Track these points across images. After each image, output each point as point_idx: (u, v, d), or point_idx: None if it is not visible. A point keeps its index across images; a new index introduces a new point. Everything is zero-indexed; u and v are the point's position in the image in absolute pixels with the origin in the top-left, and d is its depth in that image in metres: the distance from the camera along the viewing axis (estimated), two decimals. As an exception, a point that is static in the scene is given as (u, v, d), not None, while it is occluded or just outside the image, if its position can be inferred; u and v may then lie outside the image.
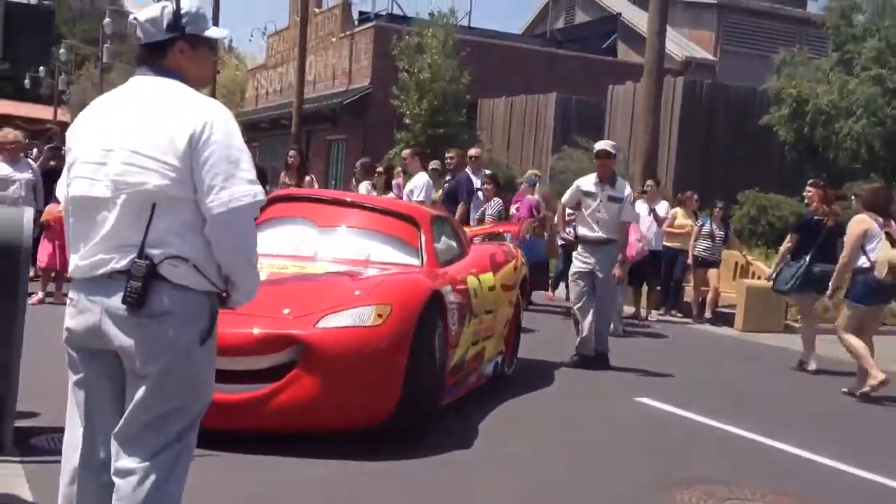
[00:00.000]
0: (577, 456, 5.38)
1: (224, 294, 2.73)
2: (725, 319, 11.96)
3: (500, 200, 11.14)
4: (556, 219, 9.16)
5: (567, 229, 8.60)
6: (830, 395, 7.90)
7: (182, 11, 2.74)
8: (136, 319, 2.59)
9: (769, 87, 16.32)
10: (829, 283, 8.04)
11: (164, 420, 2.65)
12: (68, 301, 2.77)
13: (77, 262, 2.70)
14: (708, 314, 11.99)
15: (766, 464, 5.50)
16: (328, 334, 4.90)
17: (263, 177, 11.94)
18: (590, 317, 7.99)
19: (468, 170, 11.58)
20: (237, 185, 2.60)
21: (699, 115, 18.85)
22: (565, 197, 8.49)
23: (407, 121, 21.29)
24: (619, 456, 5.43)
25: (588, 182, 8.14)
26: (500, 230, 9.83)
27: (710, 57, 27.20)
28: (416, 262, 6.08)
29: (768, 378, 8.66)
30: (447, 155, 12.09)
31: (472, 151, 12.86)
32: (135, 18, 2.78)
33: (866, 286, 7.63)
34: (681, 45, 26.76)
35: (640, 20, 26.13)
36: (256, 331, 4.84)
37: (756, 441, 5.96)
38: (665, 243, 12.19)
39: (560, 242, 10.52)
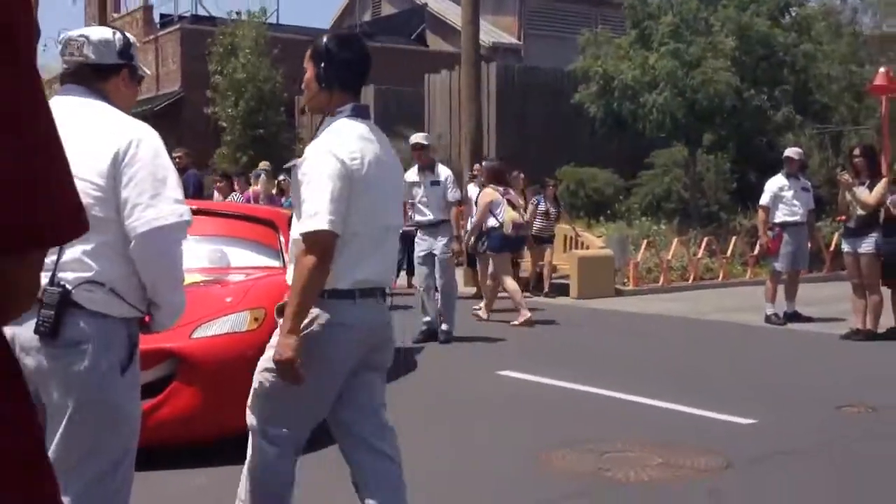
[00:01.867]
0: (449, 434, 5.60)
1: (146, 318, 2.63)
2: (561, 290, 12.58)
3: None
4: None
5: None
6: (672, 348, 8.53)
7: (130, 41, 2.75)
8: (50, 350, 2.46)
9: (576, 67, 17.16)
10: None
11: (84, 460, 2.50)
12: None
13: None
14: (546, 288, 12.54)
15: (629, 417, 5.94)
16: (204, 344, 4.91)
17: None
18: (434, 296, 8.57)
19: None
20: (163, 204, 2.53)
21: (514, 98, 19.60)
22: (403, 193, 8.97)
23: (223, 124, 20.91)
24: (490, 428, 5.70)
25: (412, 174, 8.77)
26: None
27: (515, 41, 28.15)
28: (278, 263, 6.12)
29: (611, 338, 9.23)
30: (174, 154, 12.42)
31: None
32: (84, 37, 2.69)
33: (500, 240, 9.63)
34: (486, 31, 27.53)
35: (446, 9, 26.76)
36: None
37: (616, 398, 6.41)
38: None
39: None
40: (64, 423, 2.48)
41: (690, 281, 13.08)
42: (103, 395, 2.51)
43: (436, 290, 8.69)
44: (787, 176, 9.78)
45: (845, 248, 8.79)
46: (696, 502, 4.35)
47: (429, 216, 8.68)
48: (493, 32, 27.94)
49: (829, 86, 17.05)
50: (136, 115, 2.73)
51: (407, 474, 4.77)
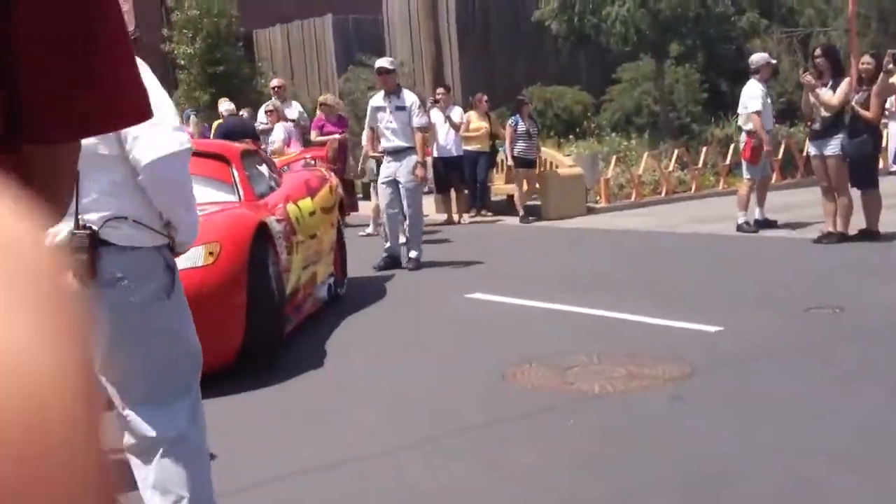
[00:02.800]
0: (421, 356, 5.59)
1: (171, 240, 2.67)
2: (532, 211, 12.50)
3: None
4: (364, 141, 9.58)
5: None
6: (641, 262, 8.50)
7: None
8: (94, 291, 2.47)
9: (537, -18, 16.85)
10: None
11: (155, 387, 2.57)
12: None
13: None
14: (520, 211, 12.16)
15: (595, 331, 5.92)
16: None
17: None
18: (397, 221, 8.60)
19: (274, 99, 11.85)
20: (163, 133, 2.53)
21: (474, 19, 19.23)
22: (367, 118, 8.99)
23: (182, 61, 20.46)
24: (461, 348, 5.70)
25: (377, 98, 8.71)
26: (308, 156, 9.83)
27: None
28: (233, 198, 5.99)
29: (580, 256, 9.19)
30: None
31: (275, 82, 12.78)
32: None
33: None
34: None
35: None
36: (81, 292, 4.69)
37: (583, 313, 6.39)
38: (465, 147, 12.49)
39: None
40: (122, 358, 2.50)
41: (663, 195, 13.02)
42: (154, 324, 2.56)
43: (403, 217, 8.60)
44: (764, 82, 9.68)
45: (812, 151, 8.73)
46: (658, 409, 4.34)
47: (394, 142, 8.53)
48: (453, -47, 27.32)
49: (794, -13, 16.83)
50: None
51: (375, 396, 4.78)
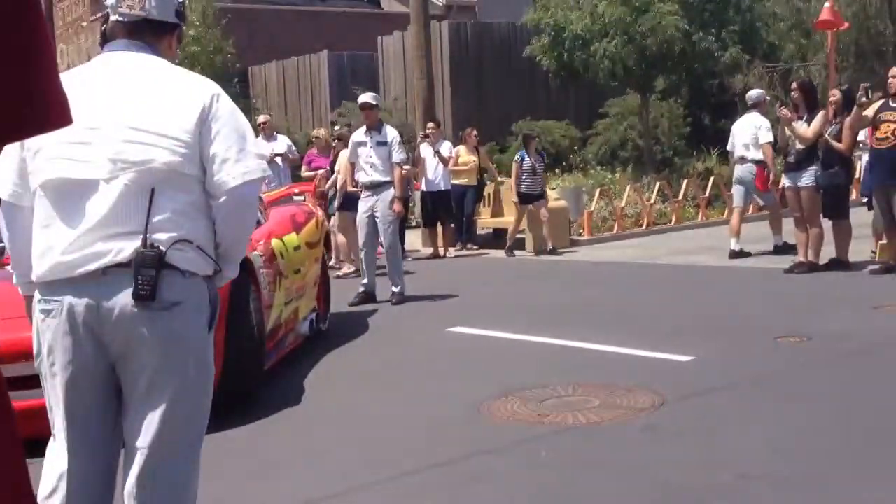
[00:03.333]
0: (400, 390, 5.69)
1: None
2: (518, 244, 12.64)
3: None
4: (342, 175, 9.79)
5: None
6: (619, 294, 8.65)
7: (186, 2, 2.73)
8: (148, 314, 2.37)
9: (527, 19, 17.11)
10: None
11: (187, 422, 2.50)
12: (43, 314, 2.44)
13: (57, 258, 2.39)
14: (550, 245, 11.75)
15: (572, 363, 6.04)
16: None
17: None
18: (373, 258, 8.76)
19: (261, 136, 11.81)
20: (249, 159, 2.50)
21: (467, 55, 19.53)
22: (348, 153, 9.18)
23: (178, 98, 20.71)
24: (439, 382, 5.80)
25: (359, 133, 8.88)
26: (296, 191, 9.99)
27: (468, -1, 27.96)
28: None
29: (561, 288, 9.32)
30: None
31: (261, 118, 12.92)
32: None
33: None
34: (439, -11, 27.33)
35: (395, -31, 26.43)
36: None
37: (560, 345, 6.51)
38: (452, 181, 12.66)
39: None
40: (166, 387, 2.43)
41: (644, 227, 13.20)
42: (202, 355, 2.51)
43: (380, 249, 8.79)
44: (764, 115, 9.96)
45: (786, 182, 8.92)
46: (631, 439, 4.46)
47: (373, 176, 8.64)
48: (445, -9, 27.72)
49: (775, 24, 17.11)
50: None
51: (353, 431, 4.88)
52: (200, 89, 2.52)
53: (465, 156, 12.94)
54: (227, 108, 2.52)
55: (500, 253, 12.28)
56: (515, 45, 19.24)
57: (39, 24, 0.99)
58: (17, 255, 2.58)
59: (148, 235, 2.36)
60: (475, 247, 12.98)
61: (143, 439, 2.45)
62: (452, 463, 4.30)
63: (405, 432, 4.82)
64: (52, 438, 2.55)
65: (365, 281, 8.78)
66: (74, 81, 2.47)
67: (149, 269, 2.34)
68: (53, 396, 2.50)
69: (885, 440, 4.17)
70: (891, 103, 8.28)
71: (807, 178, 8.59)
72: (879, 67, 12.96)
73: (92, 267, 2.36)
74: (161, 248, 2.36)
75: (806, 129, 8.60)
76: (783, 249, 9.93)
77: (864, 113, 8.45)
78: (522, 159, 11.89)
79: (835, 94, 8.91)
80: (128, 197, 2.38)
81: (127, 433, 2.50)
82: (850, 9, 15.32)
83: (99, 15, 24.97)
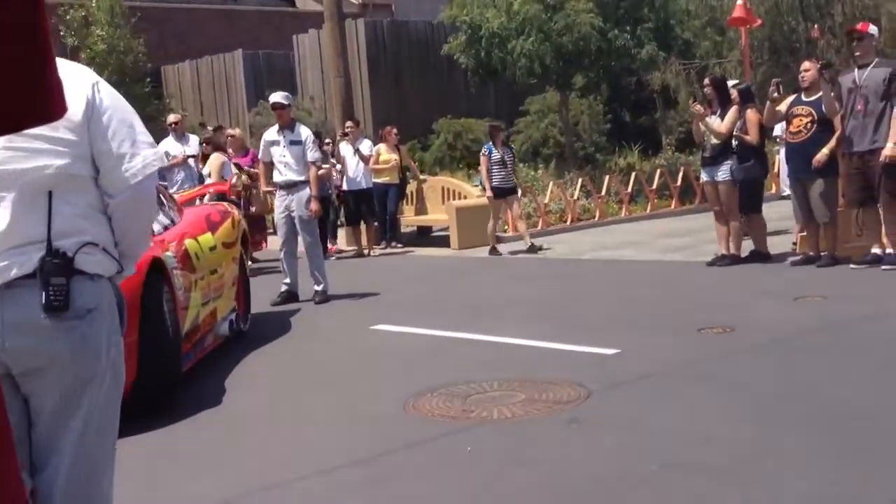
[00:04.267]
0: (323, 389, 5.58)
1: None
2: (441, 241, 12.59)
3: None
4: (260, 175, 9.55)
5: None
6: (544, 289, 8.65)
7: None
8: (63, 324, 2.22)
9: (443, 17, 17.07)
10: None
11: (107, 429, 2.38)
12: None
13: None
14: (528, 242, 11.28)
15: (496, 358, 5.99)
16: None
17: None
18: (293, 256, 8.61)
19: (171, 137, 11.47)
20: (143, 150, 2.34)
21: (385, 53, 19.41)
22: (261, 153, 9.04)
23: (88, 99, 20.08)
24: (363, 380, 5.70)
25: (272, 133, 8.75)
26: (211, 190, 9.77)
27: (385, -4, 27.84)
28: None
29: (485, 285, 9.29)
30: None
31: (171, 118, 12.54)
32: None
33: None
34: (356, -13, 27.15)
35: (311, -33, 26.13)
36: None
37: (484, 340, 6.46)
38: (374, 180, 12.55)
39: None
40: (89, 396, 2.29)
41: (568, 223, 13.27)
42: (118, 359, 2.38)
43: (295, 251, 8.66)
44: None
45: (703, 177, 9.03)
46: (556, 432, 4.41)
47: (287, 176, 8.52)
48: (362, -11, 27.55)
49: (690, 21, 17.40)
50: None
51: (274, 430, 4.74)
52: (79, 80, 2.31)
53: (386, 154, 12.84)
54: (110, 97, 2.34)
55: (425, 251, 12.19)
56: (433, 43, 19.21)
57: (37, 12, 1.00)
58: None
59: (52, 243, 2.21)
60: (400, 245, 12.88)
61: (61, 459, 2.30)
62: (376, 459, 4.22)
63: (328, 430, 4.73)
64: None
65: (287, 280, 8.62)
66: None
67: (59, 278, 2.19)
68: None
69: (808, 429, 4.21)
70: (803, 98, 8.44)
71: (723, 172, 8.71)
72: (793, 63, 13.25)
73: None
74: (68, 254, 2.22)
75: (719, 123, 8.72)
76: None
77: (777, 108, 8.61)
78: (490, 152, 11.36)
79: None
80: (21, 207, 2.22)
81: (39, 455, 2.33)
82: (763, 6, 15.64)
83: None
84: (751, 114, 8.80)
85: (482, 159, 11.41)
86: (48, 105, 1.01)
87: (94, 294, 2.29)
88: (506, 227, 12.90)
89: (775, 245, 9.13)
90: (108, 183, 2.31)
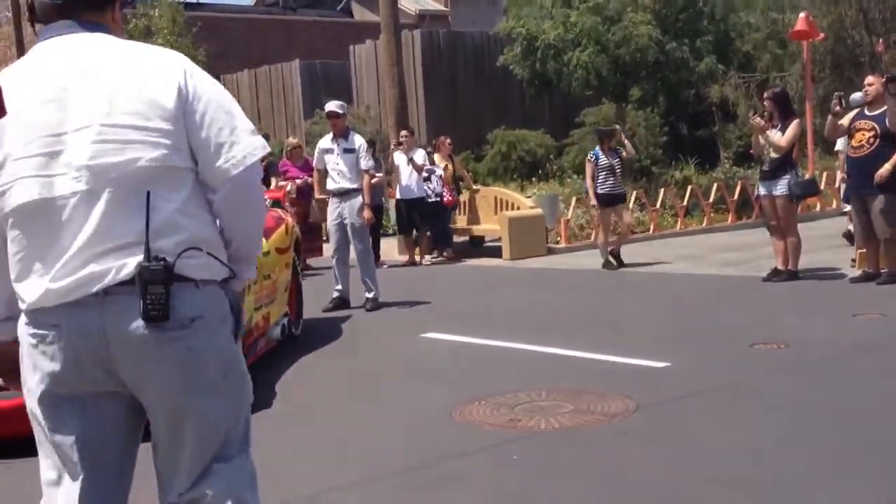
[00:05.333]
0: (372, 395, 5.60)
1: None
2: (494, 252, 12.57)
3: None
4: (314, 183, 9.62)
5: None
6: (596, 301, 8.58)
7: None
8: (164, 335, 2.03)
9: (500, 29, 17.10)
10: None
11: (232, 437, 2.20)
12: (29, 341, 2.09)
13: (46, 286, 2.03)
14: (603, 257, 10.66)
15: (545, 369, 5.96)
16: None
17: None
18: (344, 265, 8.65)
19: None
20: (244, 138, 2.13)
21: (440, 64, 19.51)
22: (315, 161, 9.10)
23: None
24: (412, 389, 5.71)
25: (326, 141, 8.82)
26: (266, 198, 9.90)
27: (442, 8, 27.99)
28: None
29: (536, 295, 9.25)
30: None
31: None
32: None
33: None
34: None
35: (370, -22, 26.40)
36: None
37: (534, 351, 6.44)
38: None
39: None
40: (195, 412, 2.11)
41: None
42: (234, 367, 2.18)
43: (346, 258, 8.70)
44: None
45: (761, 191, 8.89)
46: (603, 444, 4.38)
47: (341, 184, 8.58)
48: (419, 0, 27.76)
49: (750, 34, 17.18)
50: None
51: (322, 435, 4.77)
52: (170, 66, 2.12)
53: (440, 164, 12.86)
54: (204, 83, 2.14)
55: (476, 261, 12.18)
56: (488, 54, 19.26)
57: None
58: None
59: (150, 245, 2.00)
60: (451, 254, 12.89)
61: (182, 472, 2.16)
62: (424, 466, 4.23)
63: (377, 436, 4.75)
64: (50, 486, 2.19)
65: (339, 287, 8.68)
66: (17, 79, 2.11)
67: (157, 286, 1.99)
68: (54, 435, 2.14)
69: (860, 448, 4.12)
70: (866, 112, 8.28)
71: (781, 187, 8.57)
72: (856, 77, 13.02)
73: (88, 291, 2.01)
74: (168, 258, 2.01)
75: (780, 137, 8.58)
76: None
77: (840, 122, 8.45)
78: (597, 158, 10.64)
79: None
80: (117, 205, 2.02)
81: (162, 467, 2.20)
82: (826, 19, 15.40)
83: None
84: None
85: (587, 166, 10.75)
86: None
87: (199, 301, 2.08)
88: (558, 238, 12.84)
89: (833, 261, 8.95)
90: (208, 176, 2.11)
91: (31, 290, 2.07)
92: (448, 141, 13.33)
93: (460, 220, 13.52)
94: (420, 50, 19.19)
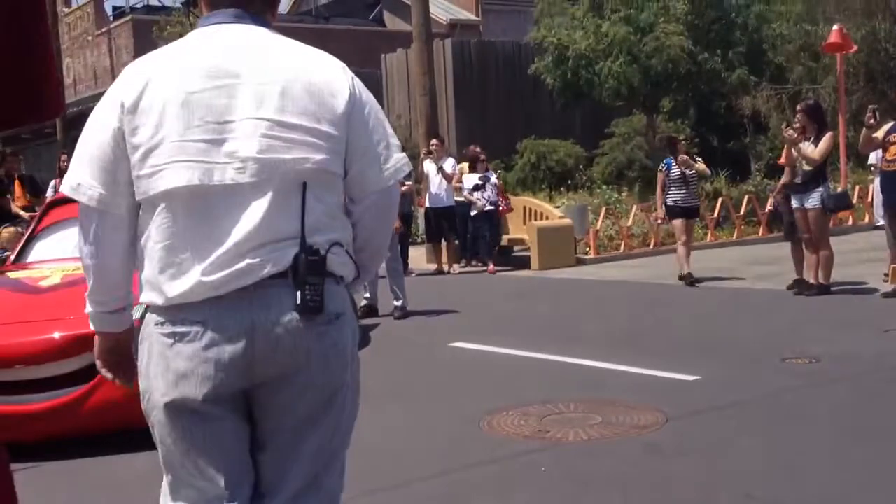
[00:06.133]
0: (401, 403, 5.60)
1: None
2: (523, 262, 12.56)
3: None
4: None
5: None
6: (625, 313, 8.55)
7: None
8: (315, 328, 2.00)
9: (531, 38, 17.12)
10: None
11: (341, 447, 2.19)
12: (164, 340, 2.01)
13: (197, 278, 1.96)
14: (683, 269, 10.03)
15: (575, 380, 5.94)
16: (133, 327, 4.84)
17: (36, 186, 11.41)
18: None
19: None
20: (395, 153, 2.14)
21: (471, 73, 19.56)
22: None
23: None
24: (440, 396, 5.72)
25: None
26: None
27: (473, 17, 28.05)
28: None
29: (564, 305, 9.23)
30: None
31: None
32: None
33: None
34: (444, 8, 27.43)
35: (402, -13, 26.50)
36: (58, 335, 4.75)
37: (563, 362, 6.42)
38: (456, 198, 12.60)
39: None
40: (331, 412, 2.09)
41: (651, 247, 13.11)
42: (358, 373, 2.17)
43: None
44: None
45: (794, 203, 8.82)
46: (632, 456, 4.35)
47: None
48: (450, 9, 27.84)
49: (783, 46, 17.08)
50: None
51: (354, 444, 4.77)
52: (339, 71, 2.10)
53: (467, 174, 12.87)
54: (366, 92, 2.13)
55: (505, 270, 12.17)
56: (519, 63, 19.28)
57: (38, 16, 1.03)
58: (101, 278, 2.09)
59: (306, 239, 1.99)
60: (480, 263, 12.89)
61: (292, 484, 2.10)
62: (452, 474, 4.23)
63: (405, 444, 4.75)
64: (168, 498, 2.13)
65: (367, 295, 8.72)
66: (176, 62, 2.05)
67: (315, 277, 1.97)
68: (182, 440, 2.05)
69: (892, 465, 4.06)
70: (900, 125, 8.20)
71: (813, 200, 8.50)
72: (890, 90, 12.89)
73: (243, 283, 1.96)
74: (322, 252, 2.00)
75: (813, 150, 8.51)
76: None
77: (874, 135, 8.38)
78: (668, 168, 10.04)
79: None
80: (278, 202, 1.98)
81: (269, 481, 2.11)
82: (860, 32, 15.28)
83: (104, 29, 25.05)
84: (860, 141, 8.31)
85: (659, 175, 10.24)
86: (51, 104, 1.05)
87: (342, 298, 2.09)
88: (587, 248, 12.80)
89: (865, 276, 8.85)
90: (358, 183, 2.10)
91: (175, 283, 1.98)
92: (478, 150, 13.33)
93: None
94: (451, 59, 19.26)
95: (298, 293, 1.96)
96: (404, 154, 2.18)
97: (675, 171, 9.95)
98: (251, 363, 1.98)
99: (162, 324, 2.00)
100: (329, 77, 2.07)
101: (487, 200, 12.26)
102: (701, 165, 10.18)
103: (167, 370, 2.00)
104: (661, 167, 10.31)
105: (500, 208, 12.45)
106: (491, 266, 12.29)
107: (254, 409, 2.07)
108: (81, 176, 2.03)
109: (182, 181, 1.96)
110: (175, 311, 1.98)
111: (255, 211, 1.97)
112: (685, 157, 10.08)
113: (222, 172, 1.97)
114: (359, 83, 2.11)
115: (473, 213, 12.32)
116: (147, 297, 2.02)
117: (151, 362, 2.03)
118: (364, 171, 2.09)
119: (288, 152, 1.99)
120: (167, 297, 1.98)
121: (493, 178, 12.56)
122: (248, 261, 1.95)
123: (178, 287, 1.97)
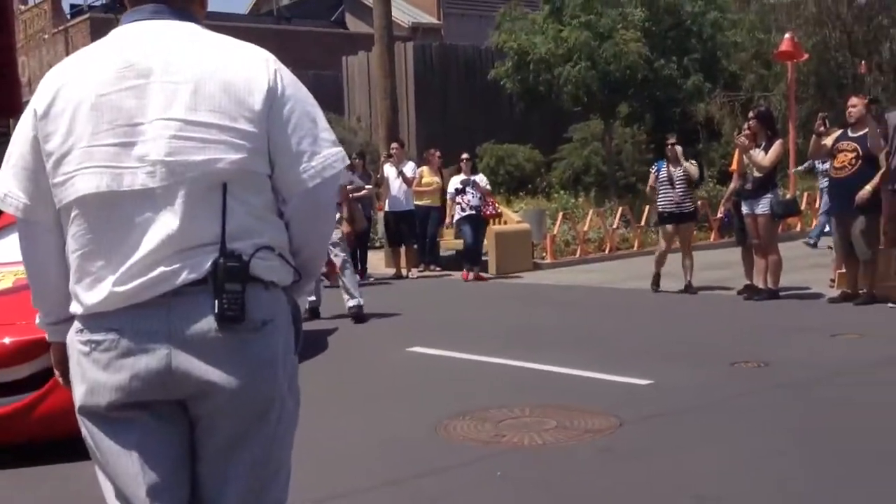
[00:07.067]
0: (356, 408, 5.65)
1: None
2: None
3: None
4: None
5: None
6: (579, 317, 8.67)
7: None
8: (236, 338, 1.90)
9: (491, 42, 17.26)
10: None
11: (286, 458, 2.13)
12: (80, 349, 1.95)
13: (109, 289, 1.90)
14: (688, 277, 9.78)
15: (530, 385, 6.03)
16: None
17: None
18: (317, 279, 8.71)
19: None
20: (325, 148, 2.01)
21: (432, 76, 19.64)
22: None
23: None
24: (396, 402, 5.76)
25: None
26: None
27: (434, 21, 28.12)
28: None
29: (521, 310, 9.33)
30: None
31: None
32: None
33: None
34: (406, 11, 27.48)
35: (362, -10, 26.53)
36: (8, 340, 4.72)
37: (519, 366, 6.50)
38: (416, 202, 12.65)
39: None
40: (261, 425, 2.01)
41: (607, 252, 13.28)
42: (295, 381, 2.08)
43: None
44: None
45: (743, 209, 9.01)
46: (587, 461, 4.44)
47: None
48: (412, 12, 27.89)
49: (737, 53, 17.39)
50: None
51: (306, 448, 4.80)
52: (259, 63, 2.00)
53: (429, 177, 12.94)
54: (292, 86, 2.01)
55: (462, 275, 12.25)
56: (480, 67, 19.40)
57: (4, 29, 1.07)
58: (38, 288, 2.08)
59: (226, 245, 1.90)
60: (438, 268, 12.96)
61: (229, 498, 2.03)
62: (407, 481, 4.27)
63: (360, 450, 4.78)
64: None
65: (312, 297, 8.72)
66: (90, 65, 1.97)
67: (234, 283, 1.87)
68: (109, 453, 1.99)
69: (839, 465, 4.20)
70: (849, 133, 8.42)
71: (763, 206, 8.69)
72: (839, 98, 13.20)
73: (158, 291, 1.88)
74: (244, 256, 1.91)
75: (763, 156, 8.71)
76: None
77: (823, 142, 8.59)
78: (658, 170, 9.82)
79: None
80: (192, 205, 1.89)
81: (207, 492, 2.04)
82: (811, 40, 15.61)
83: (61, 28, 24.74)
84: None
85: (651, 177, 10.01)
86: (9, 101, 1.11)
87: (270, 304, 1.97)
88: (544, 253, 12.92)
89: (812, 281, 9.08)
90: (283, 184, 2.00)
91: (91, 293, 1.92)
92: (438, 154, 13.40)
93: (447, 234, 13.60)
94: (413, 62, 19.34)
95: (216, 301, 1.87)
96: (339, 149, 2.05)
97: (663, 172, 9.76)
98: (169, 372, 1.90)
99: (81, 331, 1.96)
100: (248, 73, 1.97)
101: (468, 205, 11.88)
102: (691, 167, 9.81)
103: (84, 378, 1.95)
104: (651, 169, 10.23)
105: (486, 212, 11.99)
106: (467, 273, 11.83)
107: (191, 415, 2.00)
108: (8, 186, 2.00)
109: (91, 188, 1.90)
110: (92, 319, 1.93)
111: (169, 217, 1.89)
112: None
113: (132, 177, 1.89)
114: (285, 77, 2.01)
115: (458, 217, 11.92)
116: (72, 306, 1.99)
117: (73, 370, 1.99)
118: (284, 170, 1.99)
119: (200, 153, 1.90)
120: (85, 306, 1.94)
121: (482, 181, 12.13)
122: (162, 268, 1.88)
123: (93, 297, 1.92)
